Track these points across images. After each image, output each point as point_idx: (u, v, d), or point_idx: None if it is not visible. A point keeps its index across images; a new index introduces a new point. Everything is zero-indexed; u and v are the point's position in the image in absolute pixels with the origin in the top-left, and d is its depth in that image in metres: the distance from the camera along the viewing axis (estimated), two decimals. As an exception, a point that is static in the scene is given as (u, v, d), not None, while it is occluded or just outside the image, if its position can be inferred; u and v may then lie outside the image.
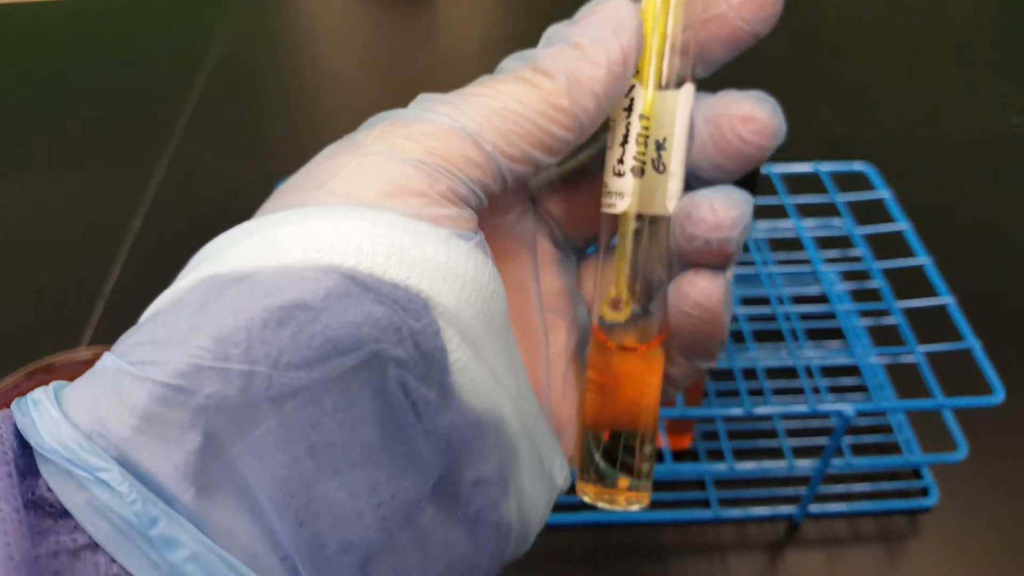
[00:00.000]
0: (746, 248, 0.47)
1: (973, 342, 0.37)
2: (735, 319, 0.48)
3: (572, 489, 0.21)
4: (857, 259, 0.46)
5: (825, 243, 0.49)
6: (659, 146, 0.19)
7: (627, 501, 0.20)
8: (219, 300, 0.15)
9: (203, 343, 0.15)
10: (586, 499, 0.20)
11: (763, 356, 0.42)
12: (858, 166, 0.47)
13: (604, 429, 0.20)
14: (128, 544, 0.14)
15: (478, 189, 0.17)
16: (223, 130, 0.67)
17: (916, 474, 0.43)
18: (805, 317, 0.50)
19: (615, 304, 0.19)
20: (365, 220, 0.16)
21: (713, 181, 0.19)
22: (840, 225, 0.47)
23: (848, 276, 0.50)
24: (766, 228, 0.48)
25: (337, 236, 0.16)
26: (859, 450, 0.44)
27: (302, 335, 0.15)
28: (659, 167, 0.19)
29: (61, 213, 0.59)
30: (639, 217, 0.19)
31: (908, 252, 0.42)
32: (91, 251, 0.55)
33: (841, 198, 0.46)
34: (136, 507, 0.14)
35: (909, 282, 0.41)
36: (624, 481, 0.20)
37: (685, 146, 0.19)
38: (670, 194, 0.19)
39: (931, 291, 0.40)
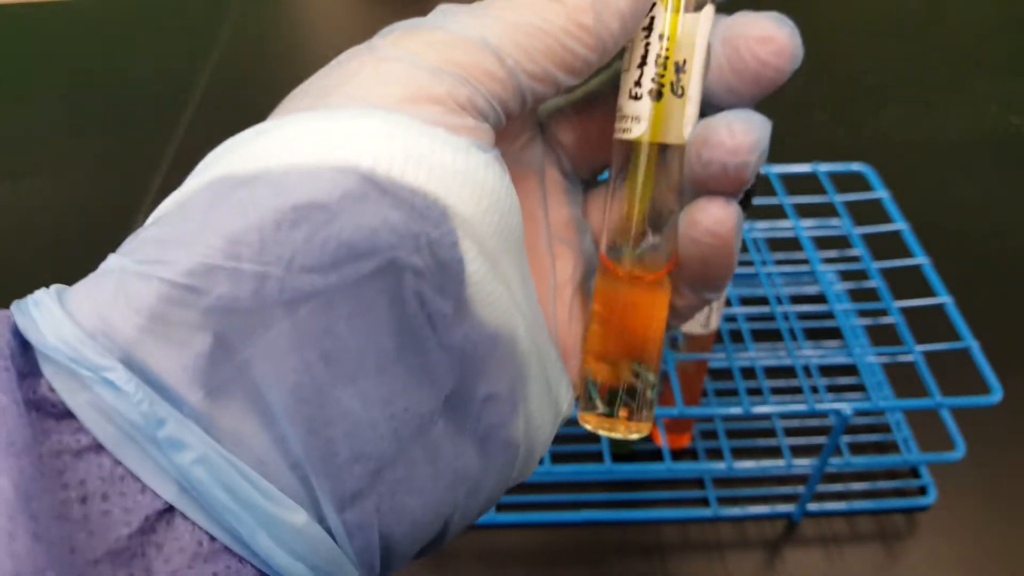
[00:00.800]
0: (745, 248, 0.47)
1: (971, 341, 0.37)
2: (733, 318, 0.48)
3: (573, 421, 0.21)
4: (855, 259, 0.46)
5: (823, 243, 0.49)
6: (679, 68, 0.18)
7: (627, 430, 0.20)
8: (230, 200, 0.15)
9: (214, 242, 0.14)
10: (587, 427, 0.20)
11: (762, 355, 0.42)
12: (856, 166, 0.47)
13: (607, 358, 0.20)
14: (133, 446, 0.14)
15: (497, 105, 0.17)
16: (225, 130, 0.66)
17: (914, 473, 0.43)
18: (803, 317, 0.50)
19: (625, 232, 0.19)
20: (383, 122, 0.15)
21: (727, 107, 0.18)
22: (838, 225, 0.47)
23: (846, 276, 0.50)
24: (765, 228, 0.48)
25: (354, 136, 0.15)
26: (857, 449, 0.44)
27: (317, 237, 0.14)
28: (677, 91, 0.18)
29: (62, 213, 0.59)
30: (653, 144, 0.18)
31: (906, 252, 0.42)
32: (93, 252, 0.55)
33: (839, 198, 0.46)
34: (143, 408, 0.13)
35: (907, 282, 0.41)
36: (625, 411, 0.20)
37: (703, 70, 0.18)
38: (687, 119, 0.18)
39: (929, 291, 0.40)
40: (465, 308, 0.16)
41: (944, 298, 0.39)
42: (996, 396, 0.35)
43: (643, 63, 0.18)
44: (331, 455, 0.15)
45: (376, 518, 0.15)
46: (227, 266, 0.14)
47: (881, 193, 0.45)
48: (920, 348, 0.39)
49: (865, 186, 0.46)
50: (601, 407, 0.20)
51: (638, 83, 0.18)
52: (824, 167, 0.47)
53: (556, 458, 0.42)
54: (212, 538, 0.14)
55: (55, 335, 0.14)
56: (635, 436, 0.20)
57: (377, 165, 0.15)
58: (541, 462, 0.40)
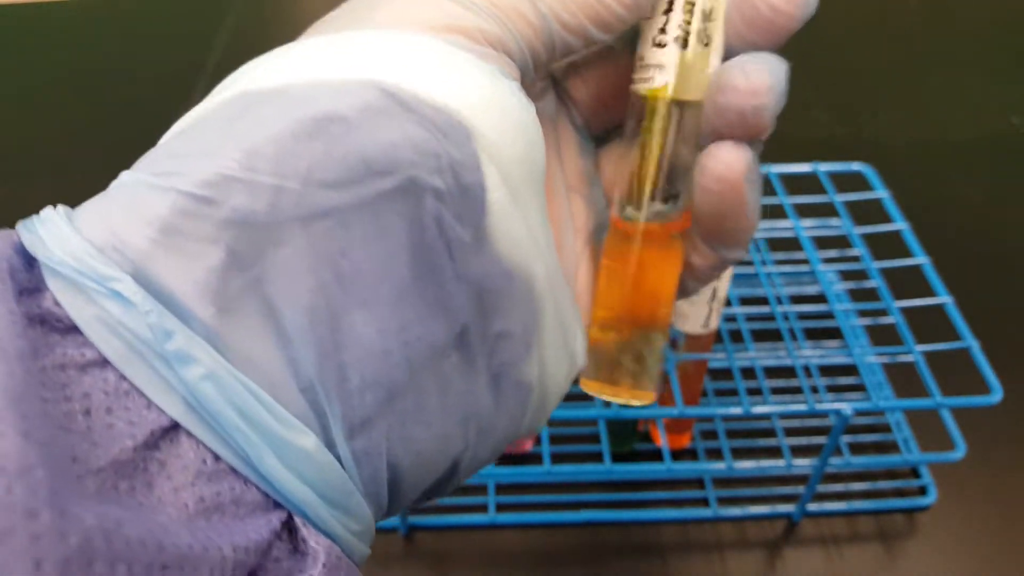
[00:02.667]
0: (745, 248, 0.47)
1: (971, 341, 0.37)
2: (733, 318, 0.48)
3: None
4: (855, 259, 0.46)
5: (823, 243, 0.49)
6: (705, 16, 0.17)
7: (631, 396, 0.19)
8: (249, 113, 0.14)
9: (232, 153, 0.14)
10: (590, 391, 0.19)
11: (761, 355, 0.42)
12: (856, 166, 0.47)
13: (616, 320, 0.19)
14: (139, 361, 0.13)
15: (526, 50, 0.16)
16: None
17: (914, 473, 0.43)
18: (803, 317, 0.50)
19: (640, 188, 0.18)
20: (409, 42, 0.15)
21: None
22: (838, 225, 0.47)
23: (846, 276, 0.50)
24: (765, 228, 0.48)
25: (378, 54, 0.15)
26: (857, 449, 0.44)
27: (335, 150, 0.14)
28: (704, 39, 0.17)
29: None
30: (676, 97, 0.18)
31: (906, 252, 0.42)
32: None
33: (839, 198, 0.46)
34: (150, 319, 0.13)
35: (907, 282, 0.41)
36: (630, 377, 0.19)
37: (724, 19, 0.17)
38: (712, 70, 0.17)
39: (929, 291, 0.40)
40: (484, 239, 0.16)
41: (944, 298, 0.39)
42: (996, 396, 0.35)
43: (669, 8, 0.17)
44: (343, 380, 0.14)
45: (384, 447, 0.15)
46: (243, 177, 0.13)
47: (881, 193, 0.45)
48: (920, 348, 0.39)
49: (865, 186, 0.46)
50: (606, 371, 0.19)
51: (663, 30, 0.18)
52: (824, 167, 0.47)
53: (556, 458, 0.42)
54: (217, 458, 0.13)
55: (62, 249, 0.13)
56: (637, 403, 0.19)
57: (400, 80, 0.14)
58: (540, 462, 0.40)
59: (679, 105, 0.18)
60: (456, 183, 0.15)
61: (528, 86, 0.18)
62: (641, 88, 0.18)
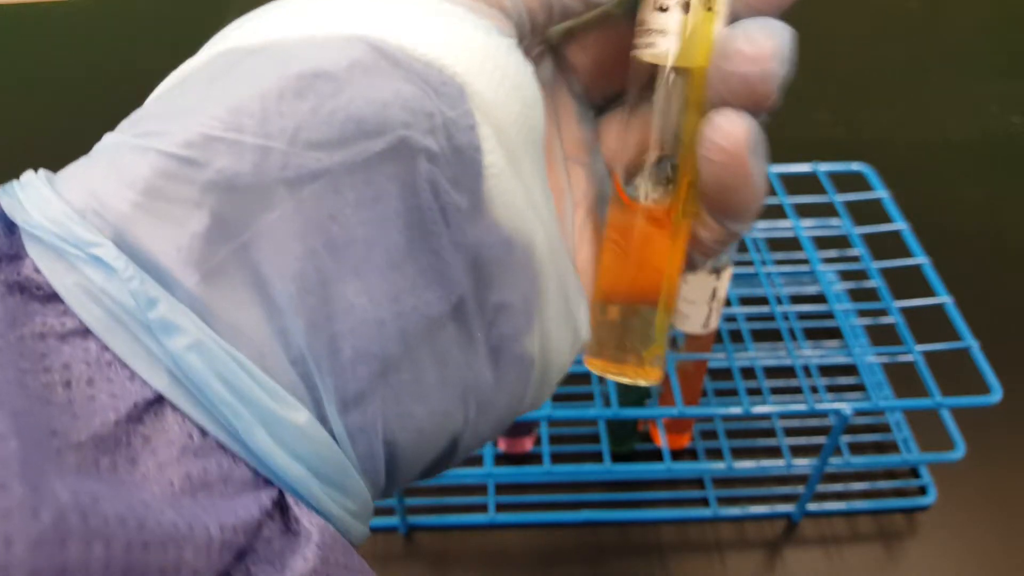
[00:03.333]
0: (744, 248, 0.47)
1: (971, 341, 0.37)
2: (733, 318, 0.48)
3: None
4: (855, 259, 0.46)
5: (823, 243, 0.49)
6: None
7: (636, 375, 0.18)
8: (234, 71, 0.14)
9: (216, 112, 0.13)
10: (595, 371, 0.19)
11: (761, 355, 0.42)
12: (856, 166, 0.47)
13: (620, 296, 0.18)
14: (122, 330, 0.12)
15: (524, 11, 0.16)
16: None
17: (914, 473, 0.43)
18: (803, 316, 0.50)
19: (643, 159, 0.18)
20: None
21: None
22: (838, 225, 0.47)
23: (846, 276, 0.50)
24: (764, 228, 0.48)
25: (365, 5, 0.14)
26: (857, 449, 0.44)
27: (323, 109, 0.13)
28: (707, 3, 0.17)
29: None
30: (679, 63, 0.17)
31: (906, 252, 0.42)
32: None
33: (839, 198, 0.46)
34: (132, 285, 0.12)
35: (907, 282, 0.41)
36: (635, 355, 0.18)
37: None
38: (717, 36, 0.17)
39: (929, 291, 0.40)
40: (481, 204, 0.15)
41: (944, 298, 0.39)
42: (996, 396, 0.35)
43: None
44: (335, 351, 0.14)
45: (380, 422, 0.14)
46: (228, 137, 0.13)
47: (881, 193, 0.45)
48: (920, 348, 0.39)
49: (865, 186, 0.46)
50: (610, 349, 0.18)
51: None
52: (824, 167, 0.47)
53: (556, 458, 0.42)
54: (204, 433, 0.13)
55: (42, 213, 0.13)
56: (643, 383, 0.18)
57: (387, 35, 0.14)
58: (540, 462, 0.40)
59: (683, 72, 0.17)
60: (450, 144, 0.14)
61: (524, 51, 0.18)
62: (643, 54, 0.17)
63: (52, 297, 0.13)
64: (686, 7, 0.17)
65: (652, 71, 0.17)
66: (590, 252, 0.19)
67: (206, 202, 0.13)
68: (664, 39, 0.17)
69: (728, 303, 0.48)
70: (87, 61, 0.76)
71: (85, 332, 0.12)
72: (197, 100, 0.13)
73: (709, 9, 0.17)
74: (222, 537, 0.12)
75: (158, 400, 0.13)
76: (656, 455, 0.43)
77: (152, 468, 0.12)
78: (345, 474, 0.14)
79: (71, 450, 0.11)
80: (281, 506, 0.13)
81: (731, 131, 0.16)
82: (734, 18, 0.17)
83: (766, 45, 0.15)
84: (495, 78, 0.15)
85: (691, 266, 0.19)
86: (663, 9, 0.17)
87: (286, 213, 0.13)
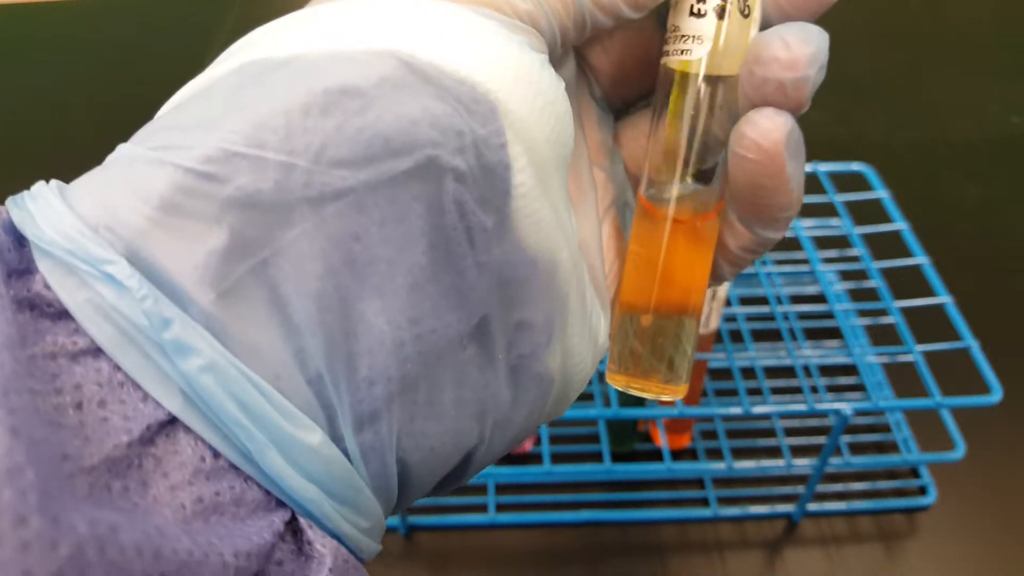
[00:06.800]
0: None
1: (971, 341, 0.37)
2: (733, 318, 0.48)
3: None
4: (855, 259, 0.46)
5: (823, 243, 0.49)
6: None
7: (660, 391, 0.18)
8: (257, 84, 0.13)
9: (237, 127, 0.13)
10: (617, 386, 0.18)
11: (761, 355, 0.42)
12: (856, 166, 0.47)
13: (644, 309, 0.18)
14: (134, 350, 0.12)
15: (556, 27, 0.15)
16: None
17: (914, 473, 0.43)
18: (803, 316, 0.50)
19: (670, 168, 0.17)
20: (431, 10, 0.14)
21: None
22: (838, 225, 0.47)
23: (846, 276, 0.50)
24: (764, 228, 0.48)
25: (396, 18, 0.14)
26: (857, 449, 0.44)
27: (349, 126, 0.13)
28: (744, 9, 0.16)
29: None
30: (712, 70, 0.16)
31: (906, 252, 0.42)
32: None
33: (839, 198, 0.46)
34: (146, 305, 0.12)
35: (907, 282, 0.41)
36: (659, 370, 0.18)
37: None
38: (750, 42, 0.16)
39: (929, 291, 0.40)
40: (507, 224, 0.15)
41: (944, 298, 0.39)
42: (996, 396, 0.35)
43: None
44: (352, 371, 0.13)
45: (394, 442, 0.14)
46: (250, 153, 0.13)
47: (881, 193, 0.45)
48: (920, 348, 0.39)
49: (865, 186, 0.47)
50: (633, 364, 0.18)
51: None
52: (824, 167, 0.47)
53: (556, 458, 0.42)
54: (216, 454, 0.13)
55: (53, 227, 0.12)
56: (667, 398, 0.18)
57: (418, 50, 0.13)
58: (540, 462, 0.40)
59: (716, 79, 0.17)
60: (479, 164, 0.14)
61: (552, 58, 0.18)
62: (675, 60, 0.17)
63: (63, 314, 0.12)
64: (722, 13, 0.16)
65: (682, 77, 0.17)
66: (612, 258, 0.19)
67: (225, 219, 0.12)
68: (699, 46, 0.16)
69: (728, 303, 0.48)
70: (87, 61, 0.76)
71: (97, 351, 0.12)
72: (218, 113, 0.13)
73: (746, 16, 0.16)
74: (236, 564, 0.12)
75: (171, 421, 0.12)
76: (656, 455, 0.43)
77: (163, 490, 0.12)
78: (358, 493, 0.14)
79: (83, 474, 0.11)
80: (294, 528, 0.13)
81: (771, 129, 0.15)
82: (766, 23, 0.17)
83: (803, 51, 0.15)
84: (528, 95, 0.14)
85: (717, 277, 0.19)
86: (699, 15, 0.16)
87: (307, 231, 0.13)
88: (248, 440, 0.13)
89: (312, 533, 0.13)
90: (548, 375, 0.16)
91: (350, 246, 0.13)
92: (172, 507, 0.12)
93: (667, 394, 0.18)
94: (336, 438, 0.14)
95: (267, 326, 0.13)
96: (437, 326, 0.14)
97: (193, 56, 0.75)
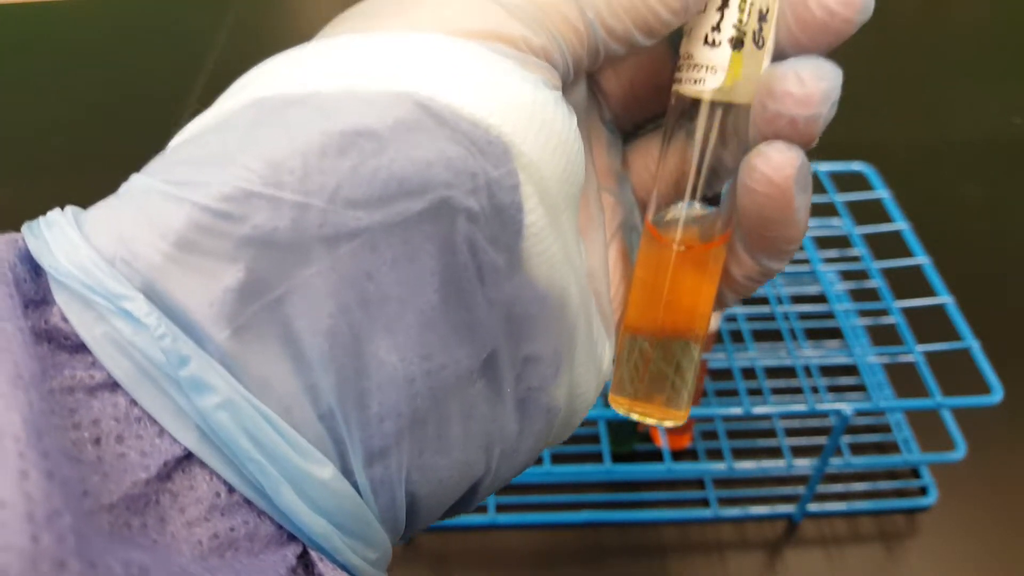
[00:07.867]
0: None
1: (971, 341, 0.37)
2: (733, 318, 0.48)
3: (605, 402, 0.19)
4: (856, 259, 0.46)
5: (824, 243, 0.49)
6: (762, 16, 0.16)
7: (663, 416, 0.18)
8: (274, 121, 0.13)
9: (254, 165, 0.13)
10: (620, 410, 0.18)
11: (762, 355, 0.42)
12: (857, 166, 0.47)
13: (648, 334, 0.18)
14: (151, 385, 0.12)
15: (570, 59, 0.15)
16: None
17: (915, 473, 0.43)
18: (804, 317, 0.50)
19: (678, 195, 0.17)
20: (448, 49, 0.14)
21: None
22: (839, 225, 0.47)
23: (847, 276, 0.50)
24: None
25: (413, 61, 0.14)
26: (858, 449, 0.44)
27: (365, 168, 0.13)
28: (759, 40, 0.16)
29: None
30: (725, 99, 0.17)
31: (907, 252, 0.42)
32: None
33: (840, 198, 0.46)
34: (164, 343, 0.12)
35: (907, 282, 0.41)
36: (662, 395, 0.18)
37: (777, 19, 0.16)
38: (762, 75, 0.16)
39: (929, 291, 0.40)
40: (518, 262, 0.15)
41: (944, 298, 0.39)
42: (996, 396, 0.35)
43: (724, 5, 0.16)
44: (363, 407, 0.14)
45: (403, 475, 0.14)
46: (267, 193, 0.13)
47: (881, 193, 0.45)
48: (920, 348, 0.39)
49: (866, 186, 0.46)
50: (636, 389, 0.18)
51: (716, 28, 0.16)
52: (824, 167, 0.47)
53: (556, 458, 0.42)
54: (231, 489, 0.13)
55: (69, 259, 0.13)
56: (669, 423, 0.18)
57: (436, 93, 0.14)
58: (540, 462, 0.40)
59: (728, 108, 0.17)
60: (491, 204, 0.14)
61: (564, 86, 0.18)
62: (688, 88, 0.17)
63: (80, 347, 0.12)
64: (738, 44, 0.16)
65: (693, 105, 0.17)
66: (618, 282, 0.19)
67: (241, 257, 0.13)
68: (713, 76, 0.16)
69: (728, 303, 0.48)
70: (87, 61, 0.76)
71: (114, 386, 0.12)
72: (235, 149, 0.13)
73: (760, 47, 0.16)
74: None
75: (187, 457, 0.13)
76: (656, 455, 0.43)
77: (180, 527, 0.12)
78: (367, 526, 0.14)
79: (104, 512, 0.11)
80: (305, 562, 0.14)
81: (782, 163, 0.15)
82: (779, 55, 0.16)
83: (817, 88, 0.15)
84: (541, 135, 0.15)
85: (720, 304, 0.19)
86: (713, 44, 0.16)
87: (322, 270, 0.13)
88: (262, 476, 0.13)
89: (323, 566, 0.13)
90: (555, 406, 0.17)
91: (363, 285, 0.13)
92: (190, 543, 0.12)
93: (669, 419, 0.18)
94: (347, 472, 0.14)
95: (280, 361, 0.13)
96: (447, 362, 0.14)
97: (192, 56, 0.75)
